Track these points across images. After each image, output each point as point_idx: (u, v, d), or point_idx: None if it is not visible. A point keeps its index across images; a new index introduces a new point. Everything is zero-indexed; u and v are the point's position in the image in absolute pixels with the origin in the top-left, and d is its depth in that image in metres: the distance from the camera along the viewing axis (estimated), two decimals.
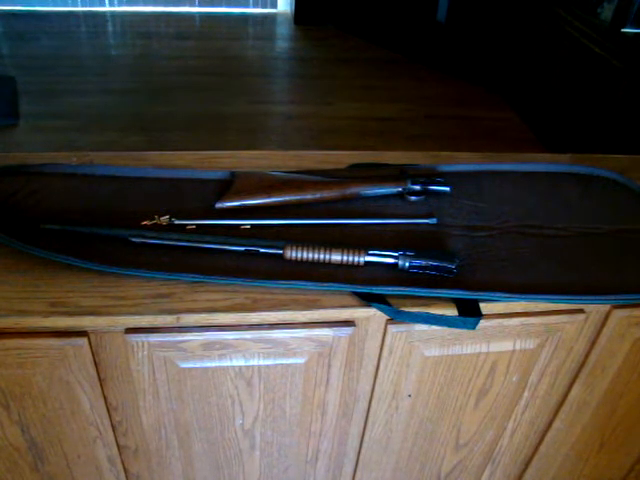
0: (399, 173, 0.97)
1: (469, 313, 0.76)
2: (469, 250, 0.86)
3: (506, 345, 0.87)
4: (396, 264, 0.80)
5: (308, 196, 0.92)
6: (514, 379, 0.92)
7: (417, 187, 0.94)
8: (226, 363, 0.81)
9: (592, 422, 1.05)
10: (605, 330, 0.87)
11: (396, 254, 0.80)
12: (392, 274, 0.80)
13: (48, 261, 0.77)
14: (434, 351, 0.85)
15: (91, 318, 0.72)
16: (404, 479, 1.09)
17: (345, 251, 0.80)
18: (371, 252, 0.80)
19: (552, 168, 1.05)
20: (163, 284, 0.76)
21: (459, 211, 0.94)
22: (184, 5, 4.47)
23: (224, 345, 0.78)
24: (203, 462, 0.96)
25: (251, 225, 0.87)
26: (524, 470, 1.14)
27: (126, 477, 0.97)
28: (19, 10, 4.23)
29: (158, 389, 0.82)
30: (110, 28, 4.18)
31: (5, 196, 0.88)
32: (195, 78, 3.51)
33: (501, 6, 3.30)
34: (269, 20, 4.53)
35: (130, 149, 2.69)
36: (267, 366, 0.82)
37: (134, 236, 0.81)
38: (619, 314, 0.85)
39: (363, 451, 1.00)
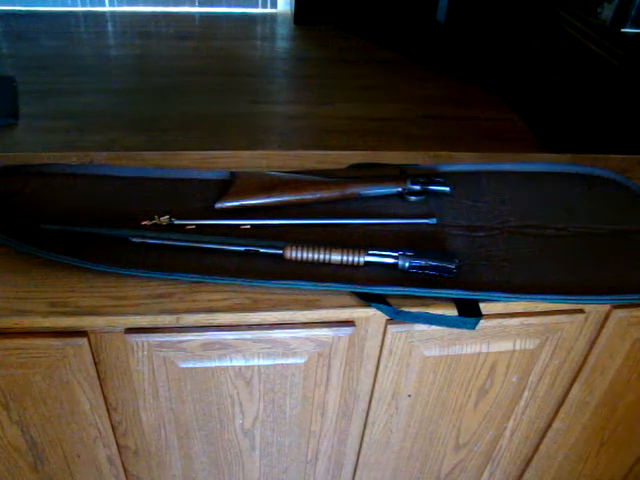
0: (399, 173, 0.97)
1: (469, 313, 0.76)
2: (469, 250, 0.86)
3: (506, 345, 0.87)
4: (396, 264, 0.80)
5: (308, 196, 0.92)
6: (514, 379, 0.92)
7: (417, 187, 0.94)
8: (226, 363, 0.81)
9: (592, 422, 1.05)
10: (605, 330, 0.87)
11: (396, 254, 0.80)
12: (392, 274, 0.80)
13: (48, 261, 0.77)
14: (434, 351, 0.85)
15: (91, 318, 0.72)
16: (404, 479, 1.09)
17: (345, 251, 0.80)
18: (371, 252, 0.80)
19: (552, 168, 1.05)
20: (163, 284, 0.76)
21: (459, 211, 0.94)
22: (184, 5, 4.47)
23: (224, 345, 0.78)
24: (203, 462, 0.96)
25: (251, 225, 0.87)
26: (524, 470, 1.14)
27: (126, 477, 0.97)
28: (19, 10, 4.23)
29: (158, 389, 0.82)
30: (110, 28, 4.18)
31: (5, 196, 0.88)
32: (195, 78, 3.51)
33: (501, 6, 3.30)
34: (269, 20, 4.53)
35: (130, 149, 2.69)
36: (267, 366, 0.82)
37: (134, 236, 0.81)
38: (619, 314, 0.85)
39: (363, 451, 1.00)
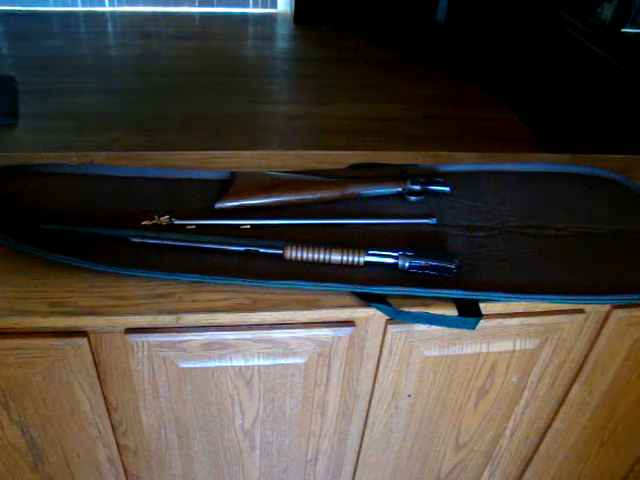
0: (399, 173, 0.97)
1: (469, 313, 0.76)
2: (469, 250, 0.86)
3: (506, 345, 0.87)
4: (396, 264, 0.80)
5: (308, 196, 0.92)
6: (514, 379, 0.92)
7: (417, 187, 0.94)
8: (226, 363, 0.81)
9: (592, 422, 1.05)
10: (605, 330, 0.87)
11: (396, 254, 0.80)
12: (392, 274, 0.80)
13: (48, 261, 0.77)
14: (434, 351, 0.85)
15: (91, 318, 0.72)
16: (404, 479, 1.09)
17: (345, 251, 0.80)
18: (371, 252, 0.80)
19: (552, 168, 1.05)
20: (163, 284, 0.76)
21: (459, 211, 0.94)
22: (184, 5, 4.47)
23: (224, 345, 0.78)
24: (203, 462, 0.96)
25: (251, 225, 0.87)
26: (524, 470, 1.14)
27: (126, 477, 0.97)
28: (19, 10, 4.23)
29: (158, 389, 0.82)
30: (110, 28, 4.18)
31: (5, 196, 0.88)
32: (195, 78, 3.51)
33: (501, 6, 3.30)
34: (269, 20, 4.53)
35: (130, 149, 2.69)
36: (267, 366, 0.82)
37: (134, 236, 0.81)
38: (619, 314, 0.85)
39: (363, 451, 1.00)
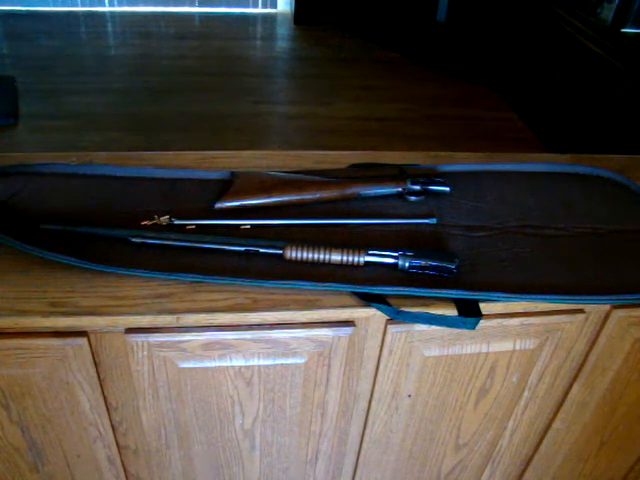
0: (399, 173, 0.97)
1: (469, 313, 0.76)
2: (469, 250, 0.86)
3: (506, 345, 0.87)
4: (396, 264, 0.80)
5: (308, 196, 0.92)
6: (514, 379, 0.92)
7: (417, 187, 0.94)
8: (226, 363, 0.81)
9: (592, 422, 1.05)
10: (605, 330, 0.87)
11: (396, 254, 0.80)
12: (392, 274, 0.80)
13: (48, 261, 0.77)
14: (434, 351, 0.85)
15: (91, 318, 0.72)
16: (404, 479, 1.09)
17: (345, 251, 0.80)
18: (371, 252, 0.80)
19: (552, 168, 1.05)
20: (163, 284, 0.76)
21: (459, 211, 0.94)
22: (184, 5, 4.47)
23: (224, 345, 0.78)
24: (203, 462, 0.96)
25: (251, 225, 0.87)
26: (524, 470, 1.14)
27: (126, 477, 0.97)
28: (19, 10, 4.23)
29: (158, 389, 0.82)
30: (110, 28, 4.18)
31: (5, 196, 0.88)
32: (195, 78, 3.51)
33: (501, 6, 3.30)
34: (269, 20, 4.53)
35: (130, 149, 2.69)
36: (267, 366, 0.82)
37: (134, 236, 0.81)
38: (619, 314, 0.85)
39: (363, 451, 1.00)
